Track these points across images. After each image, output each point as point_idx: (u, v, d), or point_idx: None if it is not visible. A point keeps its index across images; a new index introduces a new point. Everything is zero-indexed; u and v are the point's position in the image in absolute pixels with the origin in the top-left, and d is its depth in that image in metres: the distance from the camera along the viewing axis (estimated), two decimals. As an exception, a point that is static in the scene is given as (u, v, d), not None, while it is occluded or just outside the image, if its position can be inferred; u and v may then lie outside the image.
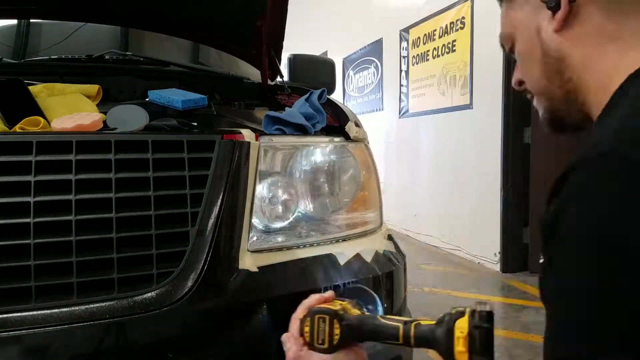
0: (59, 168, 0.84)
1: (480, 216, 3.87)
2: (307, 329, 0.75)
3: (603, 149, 0.47)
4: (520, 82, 0.73)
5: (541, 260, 0.53)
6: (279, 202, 1.07)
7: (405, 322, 0.69)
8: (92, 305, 0.81)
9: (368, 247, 1.10)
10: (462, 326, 0.63)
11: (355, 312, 0.76)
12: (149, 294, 0.85)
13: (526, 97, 0.74)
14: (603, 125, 0.54)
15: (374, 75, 6.07)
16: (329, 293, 0.81)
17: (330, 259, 1.04)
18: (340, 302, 0.78)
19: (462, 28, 4.13)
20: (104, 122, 1.03)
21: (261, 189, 1.04)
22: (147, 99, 1.28)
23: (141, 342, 0.85)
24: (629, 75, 0.56)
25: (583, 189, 0.48)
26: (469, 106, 4.06)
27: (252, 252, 0.97)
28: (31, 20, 1.77)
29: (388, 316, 0.74)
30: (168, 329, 0.86)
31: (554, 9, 0.61)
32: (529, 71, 0.70)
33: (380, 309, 0.98)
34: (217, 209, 0.92)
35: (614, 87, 0.57)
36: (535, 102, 0.71)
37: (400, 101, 5.33)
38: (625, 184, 0.45)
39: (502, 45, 0.74)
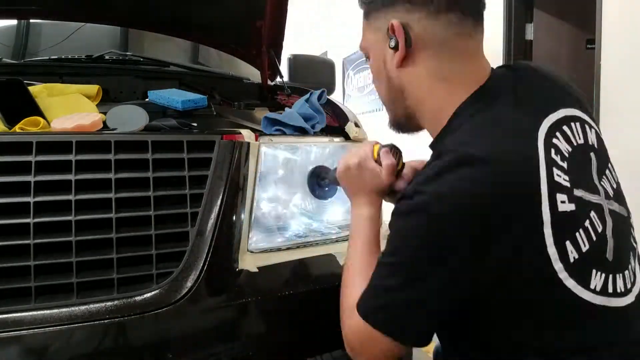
0: (59, 168, 0.84)
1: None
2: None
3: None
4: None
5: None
6: (278, 202, 1.07)
7: None
8: (91, 306, 0.81)
9: (368, 247, 1.10)
10: None
11: None
12: (149, 294, 0.85)
13: None
14: (442, 145, 0.69)
15: (374, 76, 6.06)
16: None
17: (330, 259, 1.04)
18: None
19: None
20: (104, 122, 1.03)
21: (261, 189, 1.04)
22: (147, 99, 1.28)
23: (141, 342, 0.85)
24: (455, 110, 0.71)
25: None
26: (468, 106, 4.05)
27: (251, 252, 0.97)
28: (31, 21, 1.77)
29: None
30: (168, 329, 0.86)
31: (395, 49, 0.73)
32: (378, 87, 0.82)
33: None
34: (217, 209, 0.92)
35: (444, 119, 0.72)
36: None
37: (400, 101, 5.32)
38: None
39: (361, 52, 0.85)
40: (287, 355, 0.96)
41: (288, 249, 1.03)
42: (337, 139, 1.16)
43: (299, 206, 1.10)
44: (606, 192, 0.72)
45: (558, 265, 0.63)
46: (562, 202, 0.65)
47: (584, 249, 0.65)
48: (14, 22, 1.77)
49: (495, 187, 0.62)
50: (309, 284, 1.00)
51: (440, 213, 0.63)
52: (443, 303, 0.67)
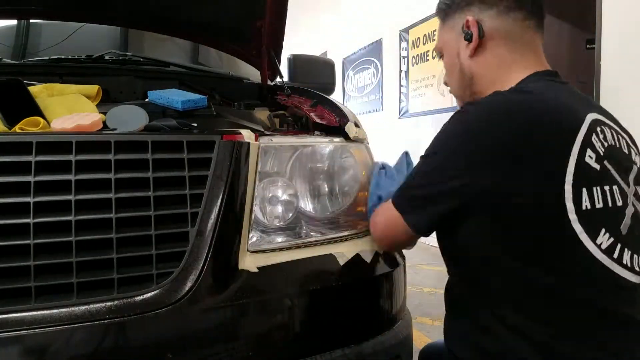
0: (59, 168, 0.84)
1: (480, 216, 3.86)
2: None
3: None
4: (446, 83, 0.99)
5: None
6: (278, 202, 1.07)
7: None
8: (91, 306, 0.81)
9: (368, 248, 1.10)
10: None
11: None
12: (149, 294, 0.85)
13: None
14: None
15: (374, 76, 6.07)
16: None
17: (330, 259, 1.04)
18: None
19: (462, 28, 4.12)
20: (104, 122, 1.03)
21: (261, 189, 1.04)
22: (146, 100, 1.28)
23: (141, 342, 0.85)
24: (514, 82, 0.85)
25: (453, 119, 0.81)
26: (468, 106, 4.05)
27: (251, 252, 0.97)
28: (31, 21, 1.77)
29: None
30: (168, 329, 0.86)
31: (469, 40, 0.88)
32: (451, 80, 0.97)
33: None
34: (217, 209, 0.92)
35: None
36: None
37: (400, 101, 5.33)
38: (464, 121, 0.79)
39: (435, 52, 1.01)
40: (286, 355, 0.96)
41: (288, 249, 1.03)
42: (337, 139, 1.16)
43: (298, 206, 1.10)
44: (636, 192, 0.80)
45: (570, 205, 0.72)
46: (590, 157, 0.74)
47: (597, 205, 0.74)
48: (14, 22, 1.77)
49: (544, 113, 0.74)
50: (308, 284, 1.00)
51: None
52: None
